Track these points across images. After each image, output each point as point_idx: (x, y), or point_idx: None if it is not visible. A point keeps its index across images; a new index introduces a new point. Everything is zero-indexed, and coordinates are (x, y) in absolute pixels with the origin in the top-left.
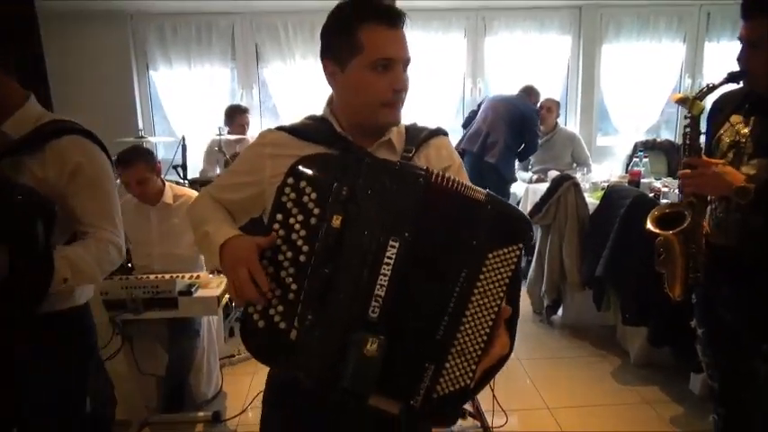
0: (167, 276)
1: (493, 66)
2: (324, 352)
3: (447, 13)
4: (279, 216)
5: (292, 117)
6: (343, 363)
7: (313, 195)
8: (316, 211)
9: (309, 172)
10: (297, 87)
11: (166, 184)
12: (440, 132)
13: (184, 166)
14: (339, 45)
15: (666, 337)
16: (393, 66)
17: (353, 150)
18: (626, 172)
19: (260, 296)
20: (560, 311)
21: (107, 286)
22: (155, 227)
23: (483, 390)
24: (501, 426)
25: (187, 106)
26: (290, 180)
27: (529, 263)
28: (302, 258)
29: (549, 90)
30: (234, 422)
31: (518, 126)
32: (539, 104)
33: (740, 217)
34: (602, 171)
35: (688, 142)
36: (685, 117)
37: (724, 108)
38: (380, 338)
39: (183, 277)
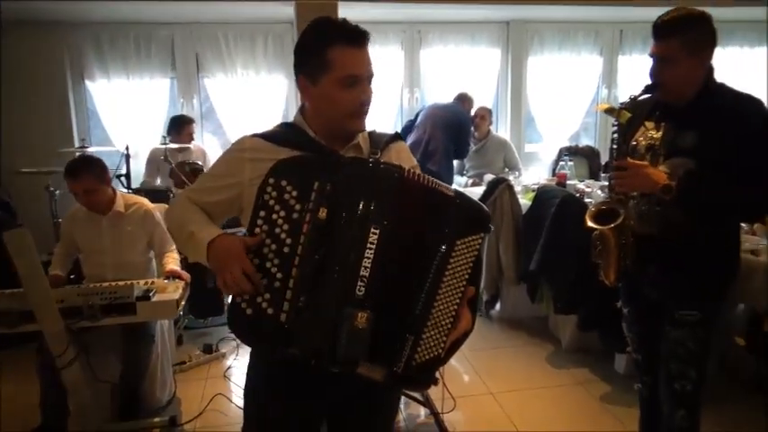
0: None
1: (429, 77)
2: (319, 327)
3: (384, 26)
4: (262, 213)
5: (234, 127)
6: (337, 335)
7: (294, 193)
8: (297, 206)
9: (290, 172)
10: (238, 98)
11: (117, 192)
12: (399, 137)
13: (128, 176)
14: (310, 62)
15: (594, 322)
16: (359, 82)
17: (328, 153)
18: (553, 175)
19: (254, 289)
20: (498, 306)
21: (63, 294)
22: (106, 235)
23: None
24: (449, 411)
25: (126, 116)
26: (272, 180)
27: None
28: (286, 250)
29: (481, 99)
30: (190, 426)
31: (455, 132)
32: (473, 112)
33: (660, 210)
34: (532, 175)
35: (616, 147)
36: (613, 125)
37: (637, 114)
38: (368, 312)
39: (138, 283)
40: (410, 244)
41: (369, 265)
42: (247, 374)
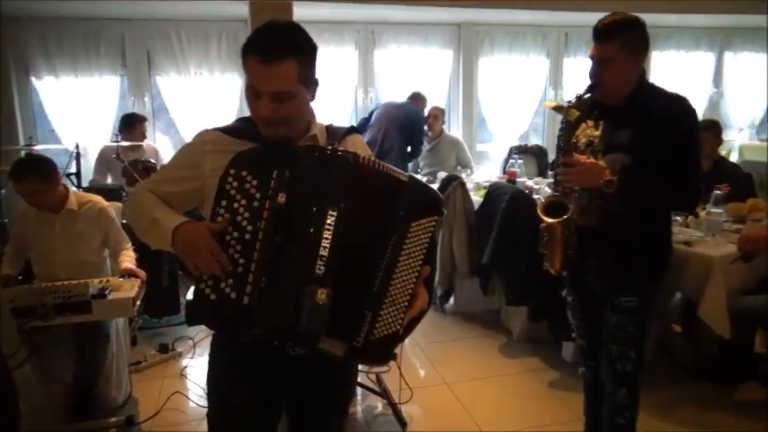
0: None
1: (383, 76)
2: (280, 305)
3: (339, 26)
4: (223, 202)
5: (188, 126)
6: (298, 312)
7: (254, 182)
8: (257, 195)
9: (250, 162)
10: (191, 96)
11: (70, 190)
12: (354, 130)
13: (78, 175)
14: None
15: (543, 313)
16: (260, 96)
17: (285, 144)
18: (503, 173)
19: (223, 270)
20: (452, 300)
21: (15, 293)
22: (58, 234)
23: (389, 371)
24: (406, 401)
25: (74, 114)
26: (233, 171)
27: None
28: (247, 236)
29: (434, 99)
30: (148, 425)
31: (408, 131)
32: (426, 112)
33: (601, 203)
34: (483, 173)
35: (563, 143)
36: (561, 122)
37: (579, 114)
38: (328, 289)
39: (93, 282)
40: (367, 225)
41: (327, 246)
42: (209, 365)
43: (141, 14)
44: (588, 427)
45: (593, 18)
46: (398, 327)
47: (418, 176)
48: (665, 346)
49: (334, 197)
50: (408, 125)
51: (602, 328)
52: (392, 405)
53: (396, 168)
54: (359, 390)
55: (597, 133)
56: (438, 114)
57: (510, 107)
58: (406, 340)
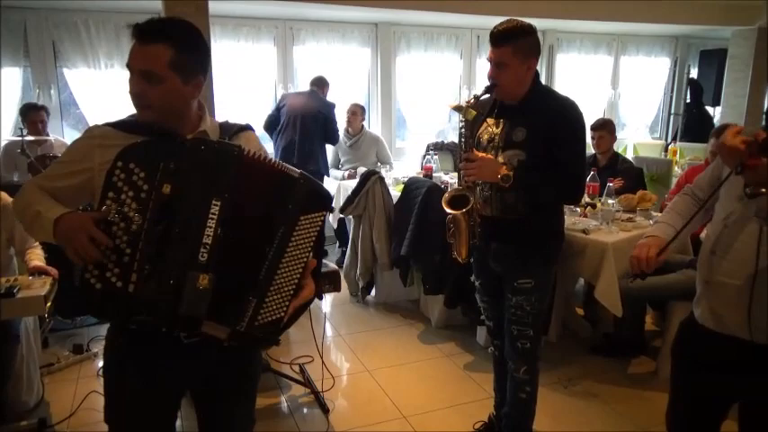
0: None
1: (302, 73)
2: (163, 290)
3: (256, 21)
4: (110, 194)
5: (99, 120)
6: (180, 296)
7: (141, 174)
8: (145, 187)
9: (137, 155)
10: (102, 90)
11: None
12: (248, 128)
13: None
14: None
15: (457, 299)
16: (132, 73)
17: (173, 137)
18: (421, 168)
19: (102, 255)
20: (373, 292)
21: None
22: None
23: (312, 361)
24: (328, 389)
25: None
26: (120, 163)
27: (344, 253)
28: (134, 227)
29: (353, 96)
30: (63, 426)
31: (322, 126)
32: (347, 110)
33: (500, 195)
34: (402, 168)
35: (464, 141)
36: (460, 121)
37: (481, 114)
38: (210, 275)
39: None
40: (254, 216)
41: (211, 234)
42: (104, 356)
43: (44, 3)
44: (497, 401)
45: (500, 21)
46: (283, 313)
47: (339, 171)
48: (569, 326)
49: (219, 188)
50: (320, 120)
51: (505, 308)
52: (315, 393)
53: (287, 165)
54: (282, 380)
55: (498, 131)
56: (357, 111)
57: (426, 105)
58: (329, 332)
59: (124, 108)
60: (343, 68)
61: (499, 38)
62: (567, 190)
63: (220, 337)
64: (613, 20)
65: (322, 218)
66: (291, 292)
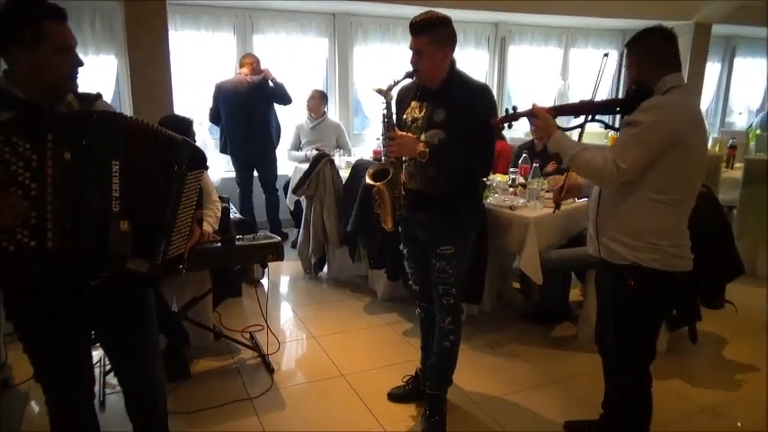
0: None
1: (262, 61)
2: (90, 238)
3: (216, 10)
4: (1, 167)
5: None
6: (106, 239)
7: (27, 146)
8: (34, 156)
9: (17, 129)
10: None
11: None
12: (99, 96)
13: None
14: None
15: (398, 272)
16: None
17: (48, 110)
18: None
19: (12, 217)
20: (326, 268)
21: None
22: None
23: (262, 330)
24: (274, 352)
25: None
26: (1, 138)
27: (298, 233)
28: (33, 193)
29: (313, 84)
30: (24, 387)
31: (263, 101)
32: (309, 95)
33: (423, 170)
34: (360, 154)
35: (386, 120)
36: (382, 103)
37: (405, 97)
38: (127, 220)
39: None
40: (152, 172)
41: (117, 188)
42: (8, 313)
43: None
44: (424, 354)
45: (456, 14)
46: (183, 249)
47: (299, 153)
48: (504, 298)
49: (115, 151)
50: (258, 95)
51: (430, 272)
52: (261, 356)
53: (172, 132)
54: (234, 346)
55: (420, 113)
56: (316, 96)
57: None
58: (282, 305)
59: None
60: (302, 58)
61: (417, 28)
62: (479, 165)
63: (142, 270)
64: (563, 14)
65: (201, 175)
66: (187, 233)
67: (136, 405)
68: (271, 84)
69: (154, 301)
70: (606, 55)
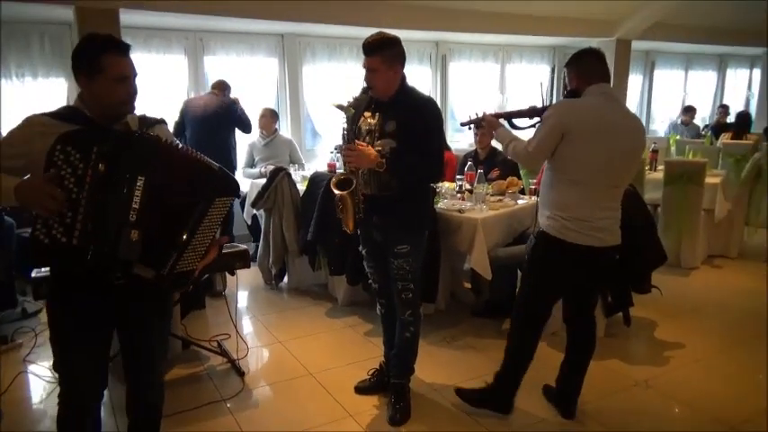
0: None
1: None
2: (105, 241)
3: (167, 33)
4: (52, 170)
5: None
6: (118, 244)
7: (77, 155)
8: (81, 165)
9: (73, 140)
10: (14, 99)
11: None
12: (162, 121)
13: None
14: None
15: (358, 277)
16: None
17: (102, 127)
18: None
19: (61, 205)
20: (286, 279)
21: None
22: None
23: (229, 338)
24: (243, 357)
25: None
26: (59, 146)
27: (257, 247)
28: (73, 196)
29: (265, 103)
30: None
31: (226, 123)
32: (260, 113)
33: (377, 176)
34: (314, 168)
35: (346, 133)
36: (344, 117)
37: (358, 108)
38: (139, 230)
39: None
40: (179, 191)
41: (138, 201)
42: (47, 305)
43: None
44: (386, 351)
45: (399, 33)
46: (194, 267)
47: (253, 170)
48: (457, 297)
49: (142, 168)
50: (222, 116)
51: (388, 270)
52: (231, 361)
53: (208, 159)
54: (202, 354)
55: (374, 122)
56: (267, 114)
57: (333, 111)
58: (245, 314)
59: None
60: (252, 78)
61: (370, 48)
62: (428, 170)
63: (148, 276)
64: (498, 32)
65: (231, 201)
66: (202, 253)
67: (140, 403)
68: (238, 110)
69: (171, 307)
70: (541, 83)
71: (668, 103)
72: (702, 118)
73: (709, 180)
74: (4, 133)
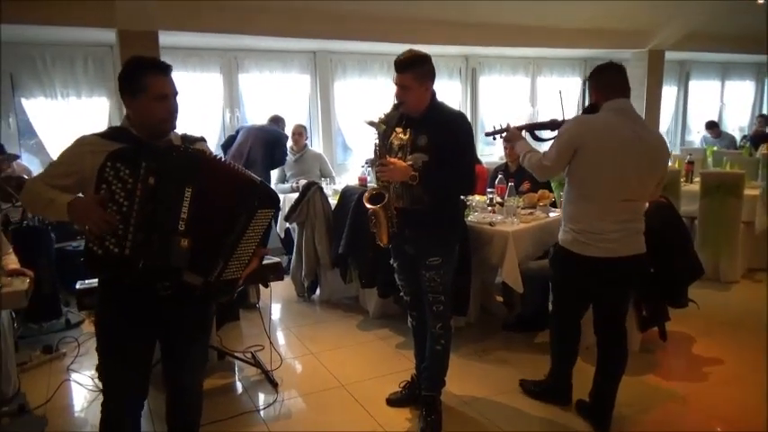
0: None
1: (248, 98)
2: (155, 249)
3: (203, 52)
4: (103, 186)
5: (58, 146)
6: (168, 252)
7: (127, 171)
8: (130, 180)
9: (122, 157)
10: (59, 118)
11: None
12: (203, 139)
13: None
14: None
15: (389, 289)
16: (167, 97)
17: (148, 144)
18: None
19: (109, 227)
20: (318, 291)
21: None
22: None
23: (263, 349)
24: (277, 368)
25: None
26: (109, 163)
27: (290, 260)
28: (125, 209)
29: (296, 118)
30: (39, 411)
31: (271, 146)
32: (290, 129)
33: (409, 190)
34: (345, 182)
35: (378, 149)
36: (375, 133)
37: (390, 124)
38: (189, 239)
39: None
40: (224, 202)
41: (186, 211)
42: (97, 312)
43: (3, 38)
44: (418, 363)
45: (428, 48)
46: (239, 275)
47: (285, 185)
48: (488, 310)
49: (189, 180)
50: (271, 142)
51: (419, 283)
52: (265, 372)
53: (250, 172)
54: (237, 365)
55: (406, 138)
56: (301, 131)
57: (363, 125)
58: (278, 326)
59: (80, 133)
60: (285, 94)
61: (402, 66)
62: (460, 184)
63: (196, 283)
64: (527, 46)
65: (272, 213)
66: (246, 262)
67: (179, 411)
68: (291, 143)
69: (212, 318)
70: (560, 92)
71: (704, 113)
72: (741, 128)
73: (748, 191)
74: (50, 149)
